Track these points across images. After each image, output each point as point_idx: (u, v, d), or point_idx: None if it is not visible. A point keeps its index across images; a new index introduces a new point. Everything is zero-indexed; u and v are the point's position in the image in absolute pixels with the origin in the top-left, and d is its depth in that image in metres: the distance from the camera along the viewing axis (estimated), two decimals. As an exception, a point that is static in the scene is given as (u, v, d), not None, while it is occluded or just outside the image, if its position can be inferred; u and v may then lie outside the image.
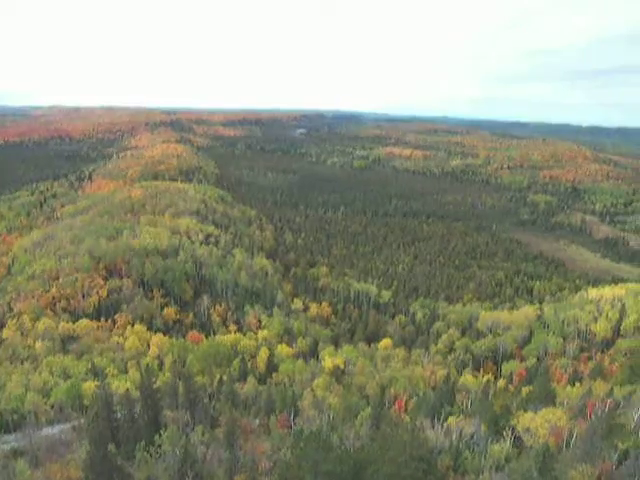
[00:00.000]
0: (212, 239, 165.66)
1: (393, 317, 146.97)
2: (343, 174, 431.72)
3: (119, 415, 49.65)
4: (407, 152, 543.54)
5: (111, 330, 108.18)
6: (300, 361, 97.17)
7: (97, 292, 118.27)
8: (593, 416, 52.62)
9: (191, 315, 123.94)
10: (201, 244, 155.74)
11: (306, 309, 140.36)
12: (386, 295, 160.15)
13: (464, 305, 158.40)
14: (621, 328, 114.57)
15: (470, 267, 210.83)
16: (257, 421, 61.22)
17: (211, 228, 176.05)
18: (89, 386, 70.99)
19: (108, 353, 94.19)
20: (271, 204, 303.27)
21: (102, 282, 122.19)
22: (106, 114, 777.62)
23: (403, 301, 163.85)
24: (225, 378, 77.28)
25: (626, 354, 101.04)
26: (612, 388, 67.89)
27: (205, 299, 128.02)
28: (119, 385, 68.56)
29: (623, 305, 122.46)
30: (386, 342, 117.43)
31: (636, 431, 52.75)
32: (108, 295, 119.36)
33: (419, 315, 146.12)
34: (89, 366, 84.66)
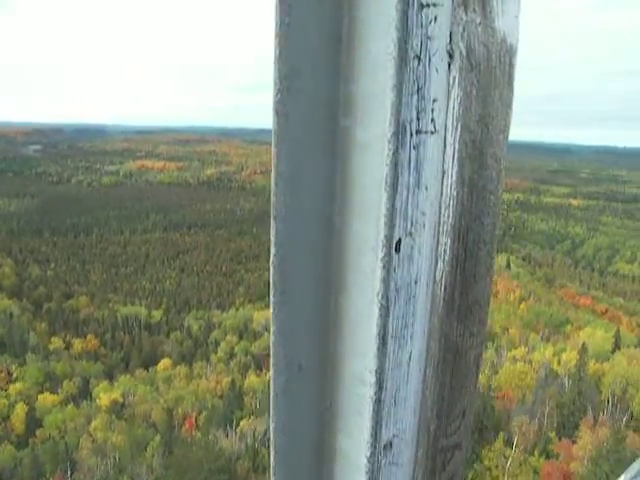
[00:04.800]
0: None
1: (168, 335, 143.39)
2: (92, 193, 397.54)
3: None
4: (160, 164, 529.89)
5: None
6: (70, 407, 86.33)
7: None
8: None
9: None
10: None
11: (68, 346, 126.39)
12: (157, 314, 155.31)
13: (237, 310, 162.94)
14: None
15: (238, 272, 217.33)
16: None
17: None
18: None
19: None
20: (7, 234, 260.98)
21: None
22: None
23: (176, 317, 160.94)
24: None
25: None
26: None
27: None
28: None
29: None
30: (165, 363, 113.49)
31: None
32: None
33: (195, 328, 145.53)
34: None
